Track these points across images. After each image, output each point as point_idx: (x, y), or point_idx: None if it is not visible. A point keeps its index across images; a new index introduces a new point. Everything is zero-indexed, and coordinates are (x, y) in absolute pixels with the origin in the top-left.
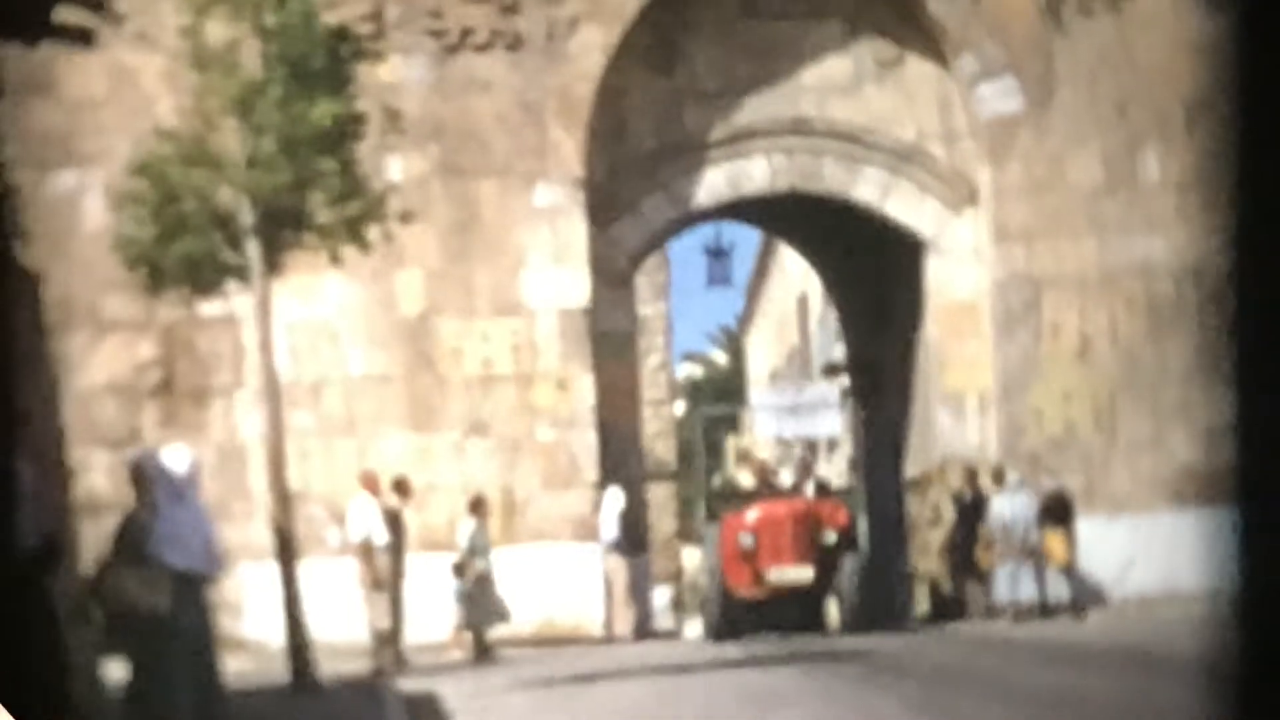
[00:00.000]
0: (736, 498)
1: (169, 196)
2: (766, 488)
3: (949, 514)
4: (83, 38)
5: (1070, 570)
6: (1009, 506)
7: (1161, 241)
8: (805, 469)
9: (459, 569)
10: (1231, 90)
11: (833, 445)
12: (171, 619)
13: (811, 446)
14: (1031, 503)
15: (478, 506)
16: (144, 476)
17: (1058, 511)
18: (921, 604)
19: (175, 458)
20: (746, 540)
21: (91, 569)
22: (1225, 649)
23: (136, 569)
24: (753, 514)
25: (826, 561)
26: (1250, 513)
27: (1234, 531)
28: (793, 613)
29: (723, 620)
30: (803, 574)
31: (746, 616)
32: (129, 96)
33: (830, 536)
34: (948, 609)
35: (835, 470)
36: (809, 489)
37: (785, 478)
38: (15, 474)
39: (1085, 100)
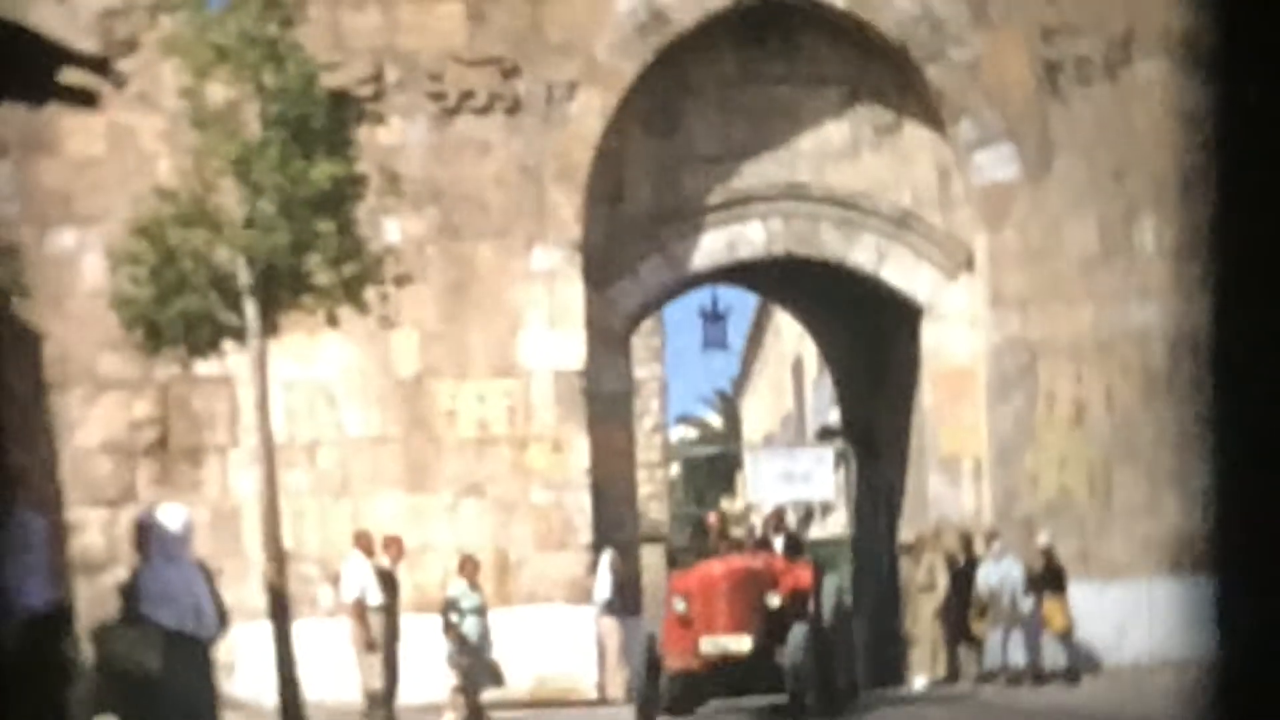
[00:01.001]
0: (691, 554)
1: (167, 256)
2: (724, 541)
3: (943, 579)
4: (86, 99)
5: (1068, 637)
6: (995, 572)
7: (1157, 309)
8: (777, 520)
9: (449, 630)
10: (1222, 159)
11: (826, 509)
12: (163, 679)
13: (808, 512)
14: (1017, 568)
15: (465, 567)
16: (145, 536)
17: (1054, 578)
18: (921, 667)
19: (169, 516)
20: (679, 605)
21: (92, 628)
22: (1209, 716)
23: (129, 628)
24: (693, 575)
25: (773, 629)
26: (1230, 581)
27: (1215, 600)
28: (732, 687)
29: (651, 695)
30: (739, 644)
31: (683, 691)
32: (129, 156)
33: (774, 600)
34: (944, 674)
35: (829, 533)
36: (778, 543)
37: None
38: (25, 525)
39: (1082, 168)
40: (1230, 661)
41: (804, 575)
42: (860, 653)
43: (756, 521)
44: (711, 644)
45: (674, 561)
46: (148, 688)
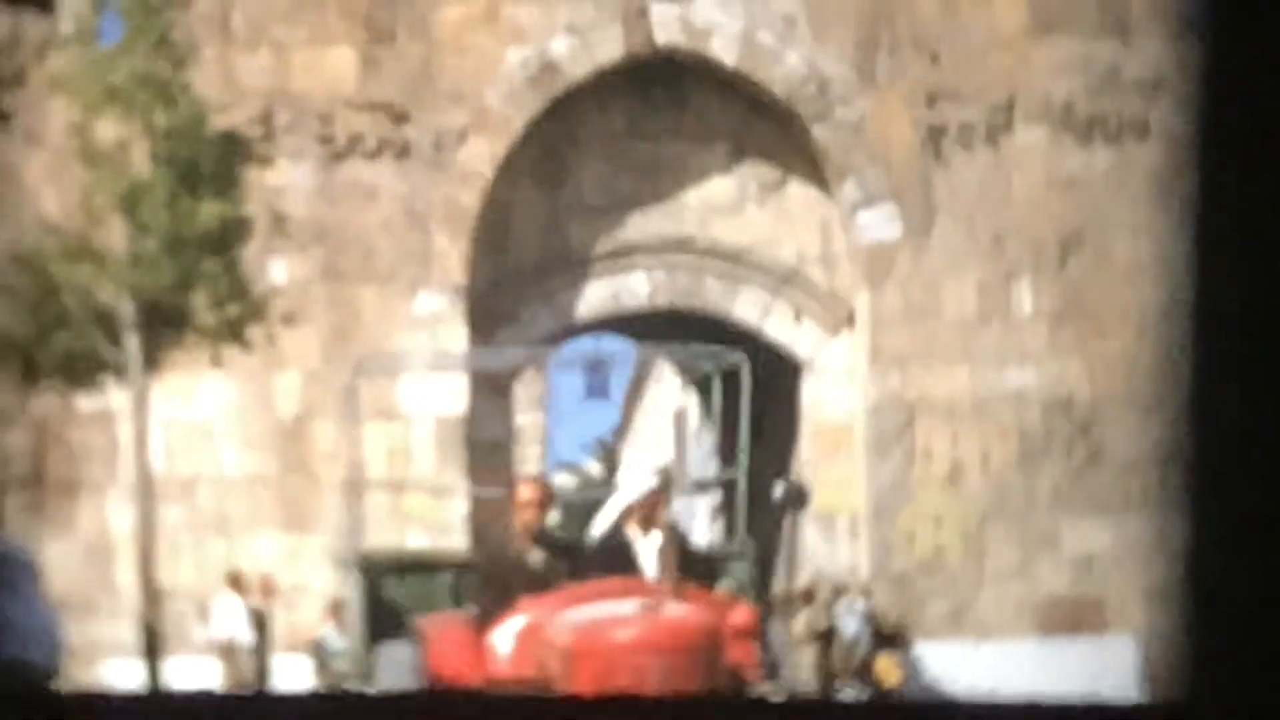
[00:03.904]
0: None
1: (49, 291)
2: (535, 545)
3: (816, 632)
4: None
5: (900, 693)
6: (850, 626)
7: (1033, 372)
8: (650, 513)
9: (320, 671)
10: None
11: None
12: None
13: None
14: (865, 624)
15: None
16: None
17: (891, 634)
18: None
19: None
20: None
21: None
22: None
23: None
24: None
25: None
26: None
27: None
28: None
29: None
30: None
31: None
32: (10, 191)
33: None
34: None
35: None
36: (645, 549)
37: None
38: None
39: (963, 230)
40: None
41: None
42: None
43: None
44: None
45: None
46: None
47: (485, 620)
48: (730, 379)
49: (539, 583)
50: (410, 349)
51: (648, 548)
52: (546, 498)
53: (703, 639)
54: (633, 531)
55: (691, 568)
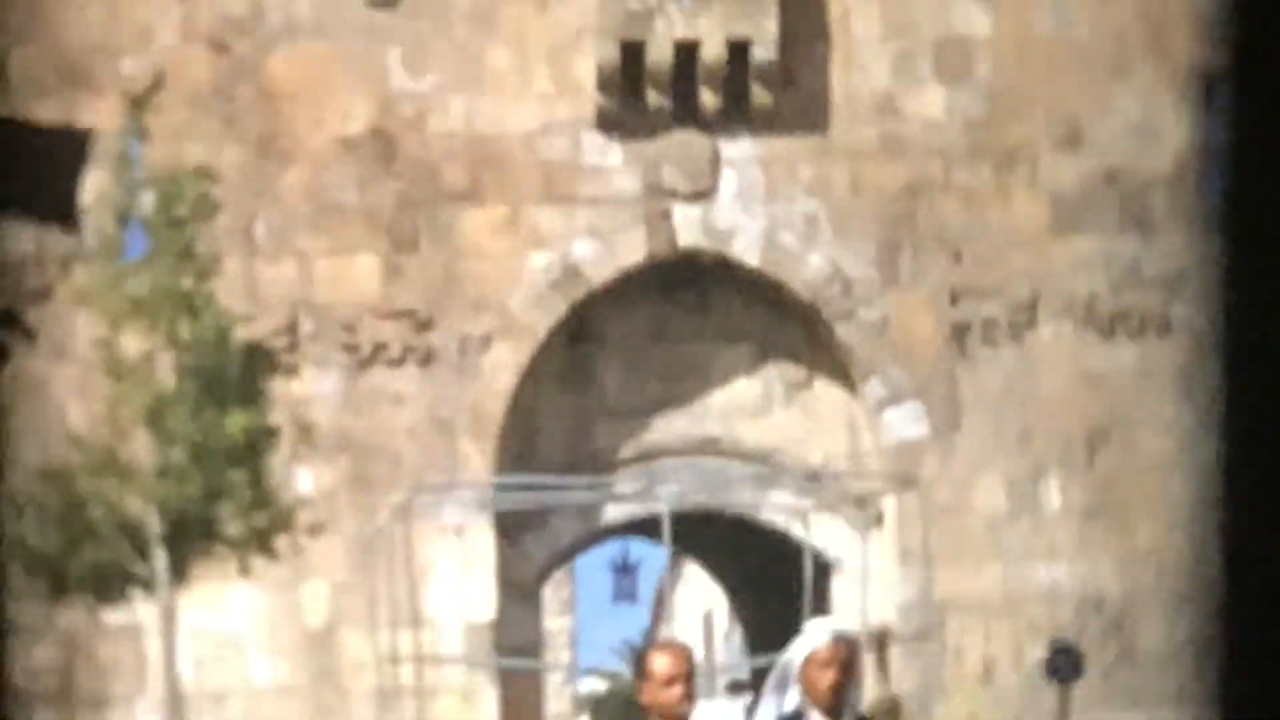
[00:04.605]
0: None
1: (75, 504)
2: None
3: None
4: None
5: None
6: None
7: (1064, 568)
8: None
9: None
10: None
11: None
12: None
13: None
14: None
15: None
16: None
17: None
18: None
19: None
20: None
21: None
22: None
23: None
24: None
25: None
26: None
27: None
28: None
29: None
30: None
31: None
32: (37, 406)
33: None
34: None
35: None
36: None
37: None
38: None
39: (989, 427)
40: None
41: None
42: None
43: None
44: None
45: None
46: None
47: None
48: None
49: None
50: (437, 556)
51: None
52: (692, 670)
53: None
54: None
55: None
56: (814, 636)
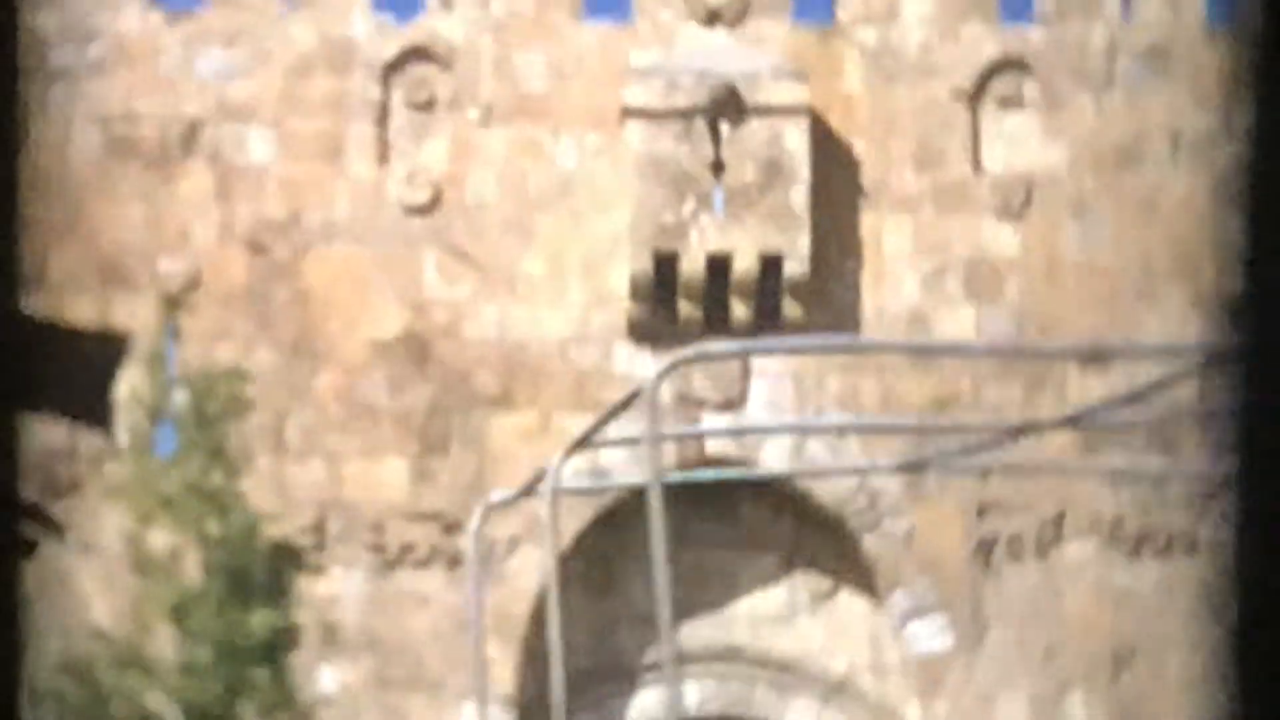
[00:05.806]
0: None
1: (97, 699)
2: None
3: None
4: (26, 549)
5: None
6: None
7: None
8: None
9: None
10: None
11: None
12: None
13: None
14: None
15: None
16: None
17: None
18: None
19: None
20: None
21: None
22: None
23: None
24: None
25: None
26: None
27: None
28: None
29: None
30: None
31: None
32: (63, 600)
33: None
34: None
35: None
36: None
37: None
38: None
39: (1014, 642)
40: None
41: None
42: None
43: None
44: None
45: None
46: None
47: None
48: None
49: None
50: None
51: None
52: None
53: None
54: None
55: None
56: None
